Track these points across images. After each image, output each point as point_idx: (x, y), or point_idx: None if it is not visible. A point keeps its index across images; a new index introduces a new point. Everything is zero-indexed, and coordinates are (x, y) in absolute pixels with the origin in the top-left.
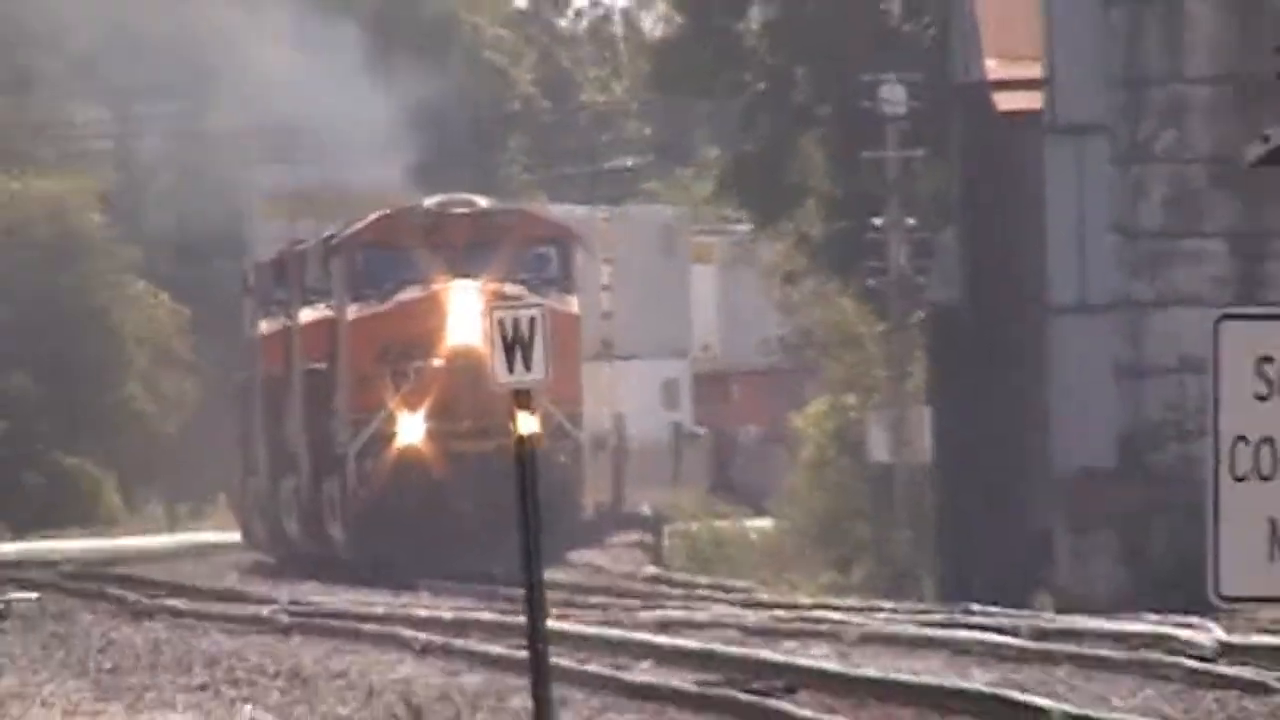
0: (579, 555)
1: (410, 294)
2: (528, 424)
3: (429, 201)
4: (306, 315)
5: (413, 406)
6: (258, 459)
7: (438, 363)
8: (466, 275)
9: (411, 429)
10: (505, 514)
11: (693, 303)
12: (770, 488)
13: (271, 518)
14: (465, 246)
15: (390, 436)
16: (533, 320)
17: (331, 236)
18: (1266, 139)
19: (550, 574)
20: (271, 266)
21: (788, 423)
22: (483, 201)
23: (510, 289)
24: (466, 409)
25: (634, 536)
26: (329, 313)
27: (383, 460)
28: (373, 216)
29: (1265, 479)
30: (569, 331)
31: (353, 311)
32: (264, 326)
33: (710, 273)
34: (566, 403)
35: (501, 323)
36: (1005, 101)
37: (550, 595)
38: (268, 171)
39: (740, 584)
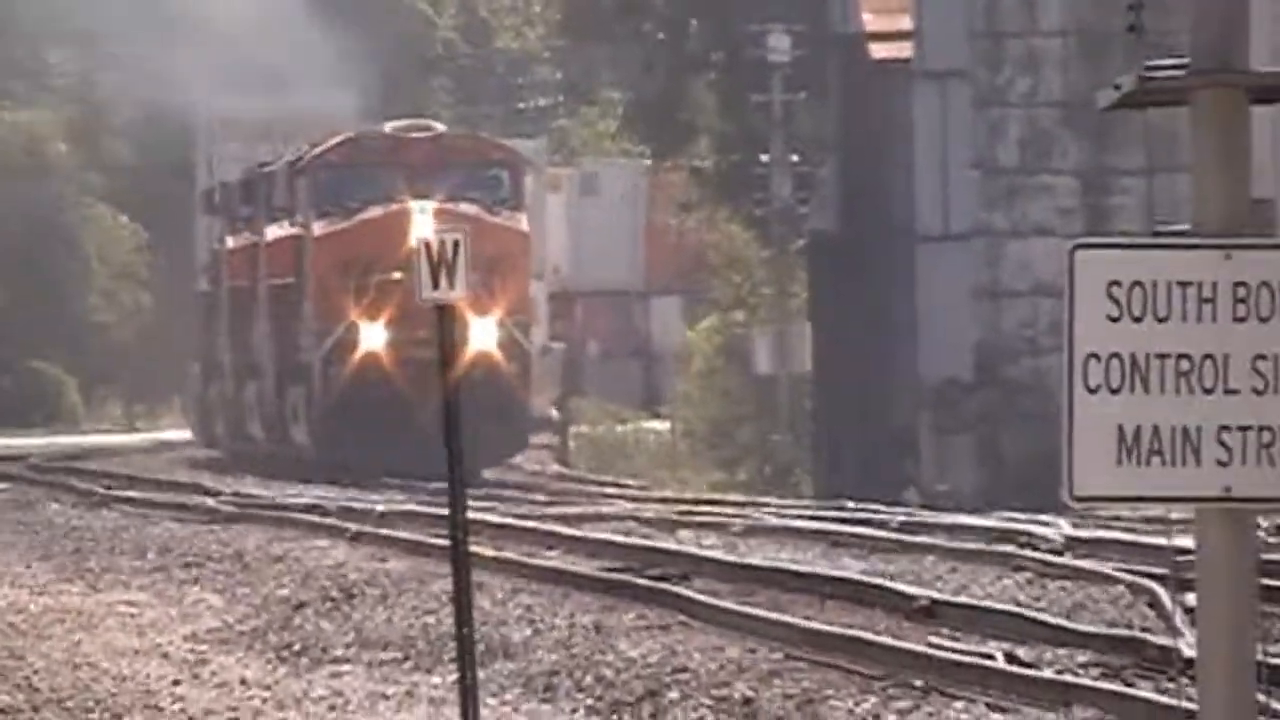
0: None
1: (372, 212)
2: (485, 335)
3: (389, 126)
4: (273, 232)
5: (373, 317)
6: (222, 365)
7: (397, 276)
8: (425, 195)
9: (372, 337)
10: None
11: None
12: (614, 395)
13: (235, 421)
14: (423, 168)
15: (353, 345)
16: (456, 243)
17: (299, 158)
18: (1118, 87)
19: (498, 473)
20: (239, 186)
21: (625, 338)
22: (439, 126)
23: (464, 208)
24: (423, 319)
25: (543, 438)
26: (295, 230)
27: (345, 366)
28: (336, 139)
29: (1114, 391)
30: (519, 248)
31: (318, 228)
32: (230, 242)
33: (560, 201)
34: (517, 313)
35: (427, 244)
36: (878, 50)
37: (473, 490)
38: (224, 100)
39: (637, 481)
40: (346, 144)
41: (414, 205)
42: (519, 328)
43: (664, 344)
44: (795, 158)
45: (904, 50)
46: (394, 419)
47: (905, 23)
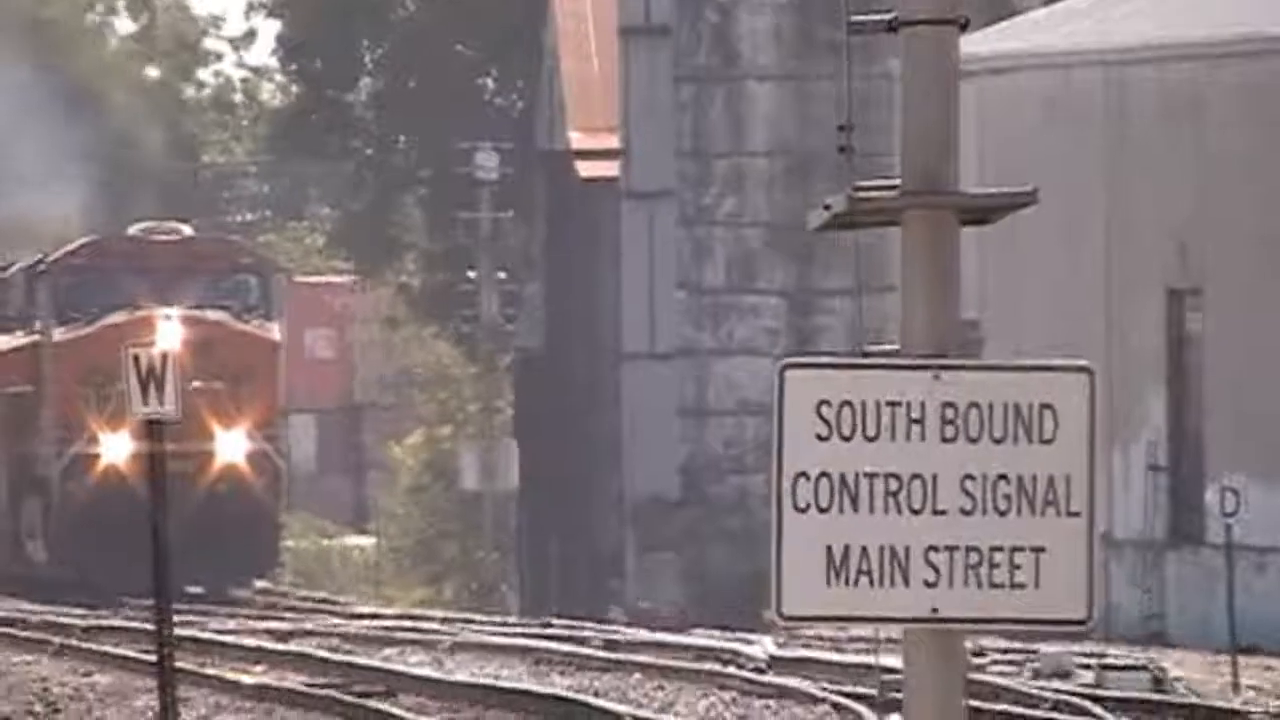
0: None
1: (116, 318)
2: (233, 447)
3: (135, 228)
4: (7, 340)
5: (116, 428)
6: None
7: None
8: (171, 301)
9: (115, 449)
10: (206, 531)
11: None
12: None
13: None
14: (170, 272)
15: (94, 457)
16: (165, 356)
17: (38, 262)
18: (828, 207)
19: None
20: None
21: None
22: (187, 229)
23: (212, 315)
24: (169, 431)
25: None
26: (33, 336)
27: (87, 479)
28: (80, 241)
29: (823, 510)
30: (270, 357)
31: (59, 334)
32: None
33: None
34: (268, 425)
35: (136, 358)
36: (586, 169)
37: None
38: None
39: (342, 598)
40: (89, 247)
41: (159, 312)
42: (270, 440)
43: (296, 459)
44: (503, 275)
45: (611, 169)
46: (137, 534)
47: (613, 142)
